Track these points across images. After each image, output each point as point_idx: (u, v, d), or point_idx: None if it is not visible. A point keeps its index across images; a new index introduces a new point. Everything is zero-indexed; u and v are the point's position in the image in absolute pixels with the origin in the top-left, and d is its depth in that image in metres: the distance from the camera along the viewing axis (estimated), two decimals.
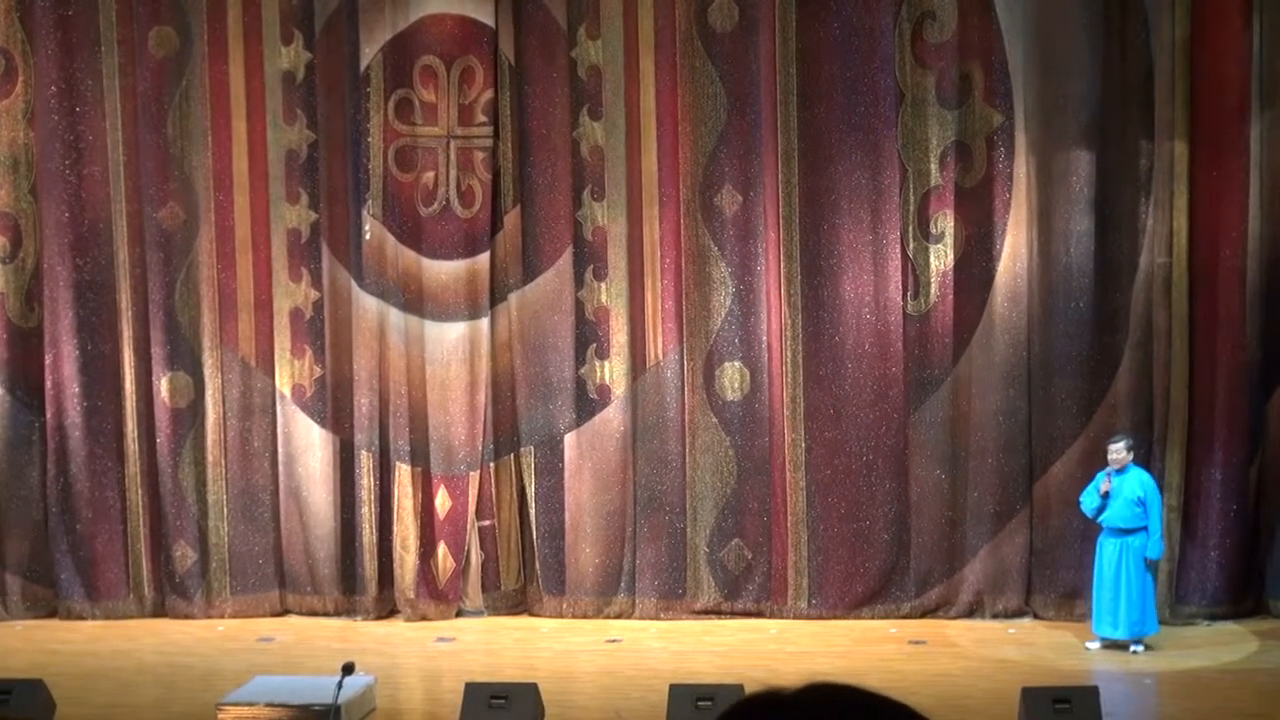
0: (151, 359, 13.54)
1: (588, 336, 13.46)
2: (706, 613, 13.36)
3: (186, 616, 13.61)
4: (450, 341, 13.38)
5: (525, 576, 13.77)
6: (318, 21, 13.38)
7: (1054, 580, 13.03)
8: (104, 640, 13.03)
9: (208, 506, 13.62)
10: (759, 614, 13.30)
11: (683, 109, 13.17)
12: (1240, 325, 12.66)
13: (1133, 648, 12.02)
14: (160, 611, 13.70)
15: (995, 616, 13.11)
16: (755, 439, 13.27)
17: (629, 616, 13.43)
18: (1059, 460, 12.93)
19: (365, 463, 13.48)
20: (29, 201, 13.64)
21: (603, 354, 13.44)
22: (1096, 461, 12.39)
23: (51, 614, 13.71)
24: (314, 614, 13.63)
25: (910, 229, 13.03)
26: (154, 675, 11.99)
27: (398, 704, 11.39)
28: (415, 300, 13.38)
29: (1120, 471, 12.04)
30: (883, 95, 12.92)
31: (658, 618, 13.36)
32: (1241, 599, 12.91)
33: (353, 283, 13.46)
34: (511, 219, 13.47)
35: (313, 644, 12.80)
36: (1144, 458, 12.50)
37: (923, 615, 13.18)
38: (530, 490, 13.55)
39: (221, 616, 13.61)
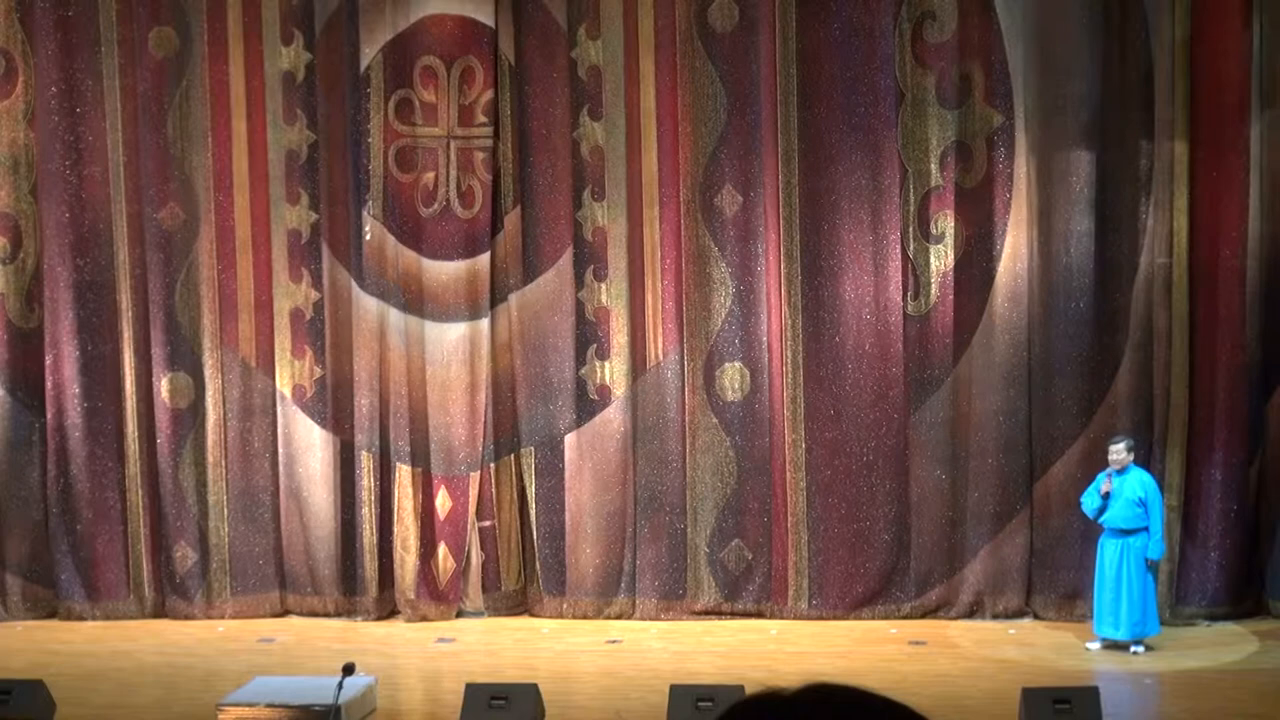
0: (152, 360, 13.54)
1: (588, 337, 13.46)
2: (707, 613, 13.36)
3: (187, 617, 13.61)
4: (450, 342, 13.38)
5: (525, 577, 13.77)
6: (318, 22, 13.39)
7: (1054, 581, 13.03)
8: (104, 640, 13.03)
9: (208, 507, 13.62)
10: (759, 614, 13.30)
11: (683, 109, 13.17)
12: (1240, 325, 12.66)
13: (1133, 648, 12.02)
14: (160, 612, 13.71)
15: (996, 617, 13.11)
16: (755, 439, 13.27)
17: (629, 617, 13.43)
18: (1059, 460, 12.94)
19: (365, 463, 13.48)
20: (29, 202, 13.64)
21: (603, 354, 13.44)
22: (1097, 462, 12.39)
23: (52, 614, 13.72)
24: (314, 615, 13.63)
25: (910, 229, 13.03)
26: (154, 676, 11.99)
27: (398, 705, 11.39)
28: (415, 301, 13.38)
29: (1121, 472, 12.04)
30: (883, 95, 12.92)
31: (658, 618, 13.36)
32: (1242, 599, 12.91)
33: (353, 283, 13.46)
34: (512, 219, 13.47)
35: (313, 645, 12.81)
36: (1144, 458, 12.50)
37: (923, 616, 13.18)
38: (530, 491, 13.55)
39: (222, 617, 13.61)
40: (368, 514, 13.50)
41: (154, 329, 13.52)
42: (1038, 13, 12.76)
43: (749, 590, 13.36)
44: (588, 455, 13.44)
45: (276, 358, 13.62)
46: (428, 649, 12.76)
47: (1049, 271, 12.92)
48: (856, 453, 13.14)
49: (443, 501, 13.42)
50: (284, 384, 13.62)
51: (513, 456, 13.62)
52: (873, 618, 13.18)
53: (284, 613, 13.73)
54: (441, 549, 13.43)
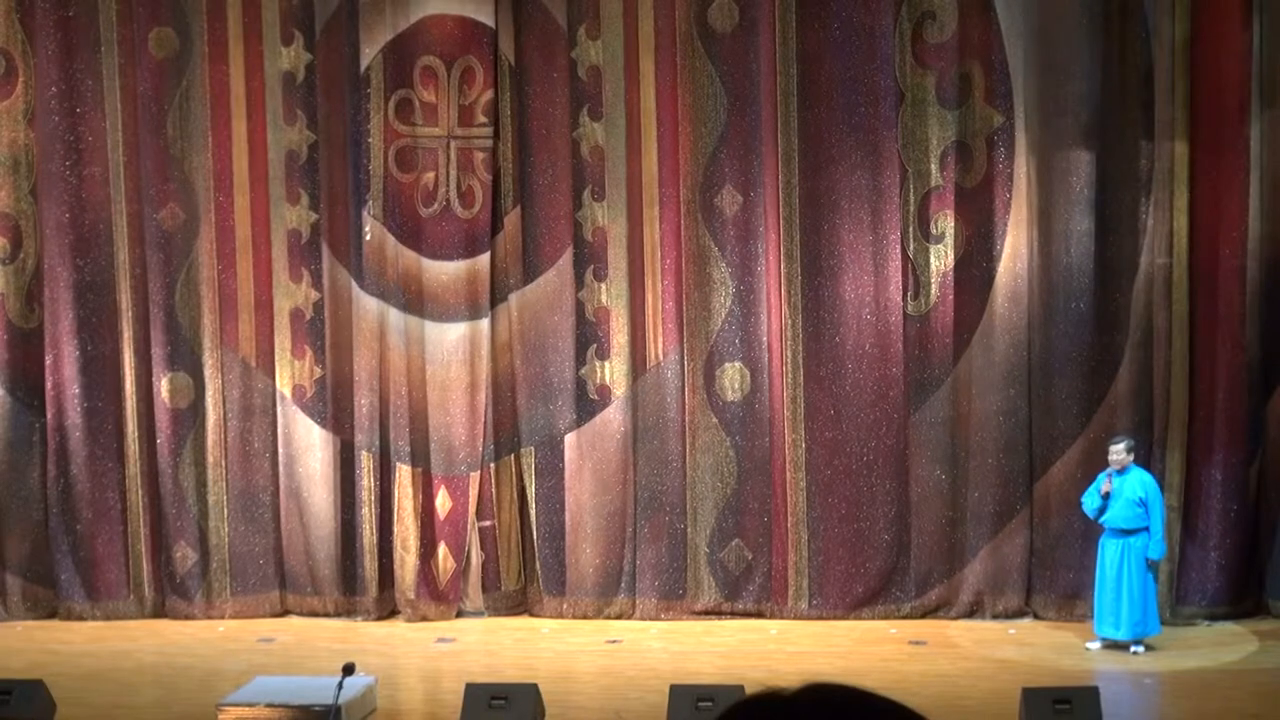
0: (152, 360, 13.54)
1: (588, 337, 13.46)
2: (707, 613, 13.36)
3: (187, 617, 13.61)
4: (450, 342, 13.38)
5: (525, 577, 13.77)
6: (318, 22, 13.39)
7: (1054, 580, 13.03)
8: (104, 640, 13.03)
9: (208, 507, 13.62)
10: (759, 614, 13.30)
11: (683, 109, 13.17)
12: (1240, 325, 12.66)
13: (1133, 648, 12.02)
14: (160, 612, 13.71)
15: (995, 617, 13.11)
16: (755, 439, 13.27)
17: (629, 617, 13.43)
18: (1059, 460, 12.94)
19: (365, 463, 13.48)
20: (29, 202, 13.64)
21: (603, 354, 13.44)
22: (1097, 462, 12.39)
23: (52, 614, 13.71)
24: (314, 614, 13.63)
25: (910, 229, 13.03)
26: (154, 676, 11.99)
27: (398, 705, 11.39)
28: (415, 301, 13.38)
29: (1121, 472, 12.04)
30: (883, 95, 12.92)
31: (658, 618, 13.36)
32: (1242, 599, 12.91)
33: (353, 283, 13.46)
34: (512, 219, 13.47)
35: (313, 644, 12.80)
36: (1144, 458, 12.50)
37: (923, 615, 13.18)
38: (530, 491, 13.55)
39: (222, 617, 13.61)
40: (368, 514, 13.50)
41: (154, 329, 13.52)
42: (1038, 13, 12.76)
43: (749, 590, 13.36)
44: (588, 455, 13.44)
45: (276, 358, 13.62)
46: (428, 649, 12.76)
47: (1049, 271, 12.92)
48: (856, 453, 13.14)
49: (443, 501, 13.43)
50: (284, 384, 13.62)
51: (513, 456, 13.62)
52: (873, 618, 13.17)
53: (284, 613, 13.73)
54: (441, 549, 13.43)
